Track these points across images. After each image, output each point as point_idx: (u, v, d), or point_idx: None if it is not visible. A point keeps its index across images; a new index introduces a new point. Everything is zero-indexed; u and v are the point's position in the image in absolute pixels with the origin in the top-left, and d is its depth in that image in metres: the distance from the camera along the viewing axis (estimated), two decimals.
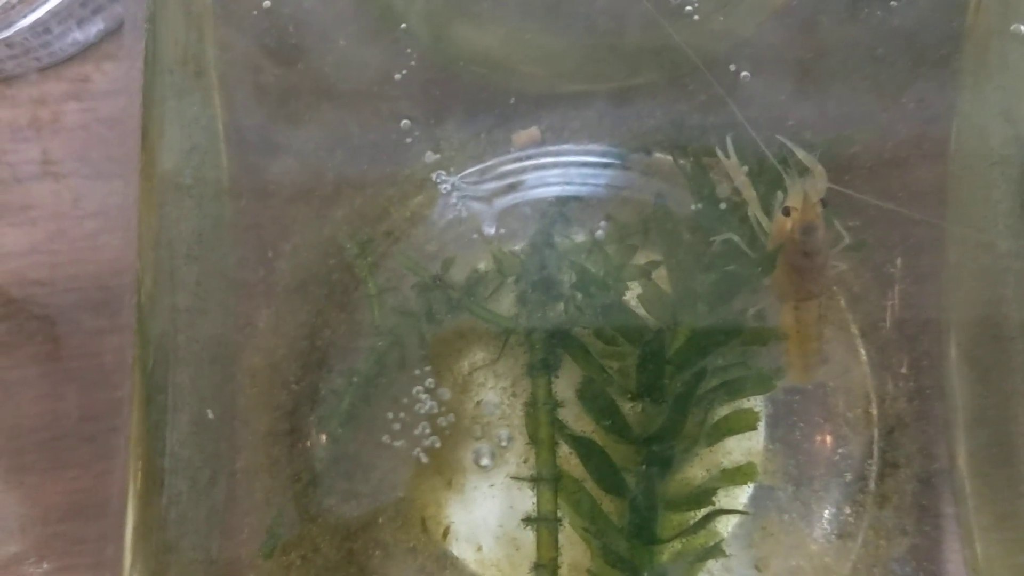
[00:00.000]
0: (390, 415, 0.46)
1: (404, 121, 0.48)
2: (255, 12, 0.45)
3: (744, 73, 0.46)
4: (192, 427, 0.43)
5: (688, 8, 0.49)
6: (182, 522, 0.44)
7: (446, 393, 0.47)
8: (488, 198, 0.52)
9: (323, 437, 0.48)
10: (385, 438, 0.46)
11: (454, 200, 0.51)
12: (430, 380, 0.47)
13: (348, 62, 0.48)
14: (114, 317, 0.56)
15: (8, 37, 0.52)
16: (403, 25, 0.47)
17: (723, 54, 0.50)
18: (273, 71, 0.48)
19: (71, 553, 0.52)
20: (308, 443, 0.48)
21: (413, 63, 0.47)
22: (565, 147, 0.53)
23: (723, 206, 0.46)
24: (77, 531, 0.52)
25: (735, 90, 0.48)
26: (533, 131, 0.53)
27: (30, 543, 0.52)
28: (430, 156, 0.50)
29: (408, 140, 0.50)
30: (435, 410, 0.47)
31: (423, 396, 0.47)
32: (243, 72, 0.48)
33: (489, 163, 0.52)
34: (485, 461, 0.47)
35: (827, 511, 0.49)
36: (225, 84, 0.47)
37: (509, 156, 0.52)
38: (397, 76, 0.46)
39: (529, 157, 0.53)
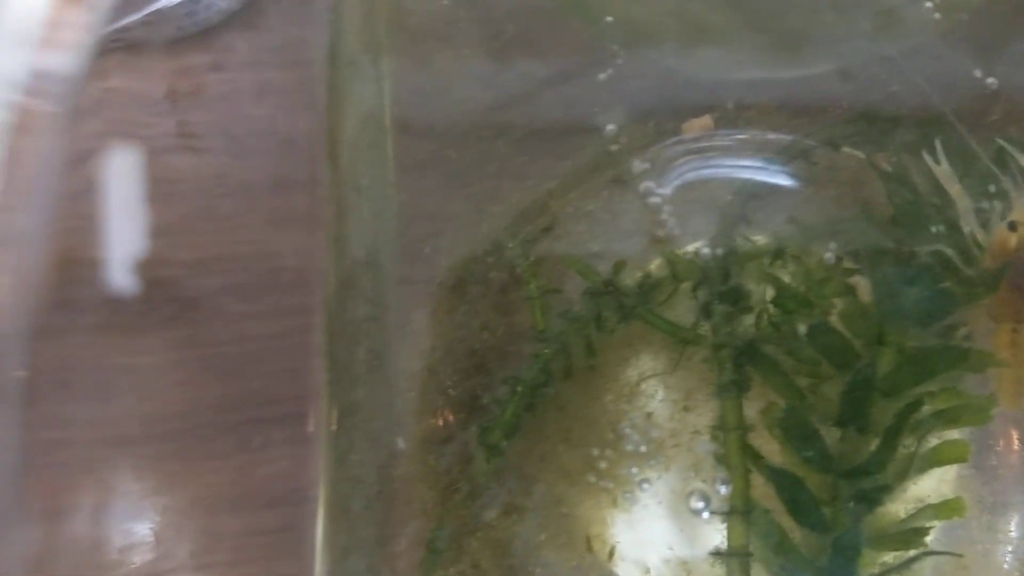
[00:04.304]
0: (595, 451, 0.43)
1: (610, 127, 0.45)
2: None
3: (990, 79, 0.41)
4: (368, 444, 0.41)
5: None
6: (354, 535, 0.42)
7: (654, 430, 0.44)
8: (655, 192, 0.48)
9: (483, 447, 0.46)
10: (591, 477, 0.43)
11: (620, 197, 0.47)
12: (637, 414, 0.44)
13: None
14: (256, 302, 0.53)
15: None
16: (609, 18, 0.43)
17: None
18: (442, 61, 0.45)
19: (214, 550, 0.51)
20: (467, 452, 0.46)
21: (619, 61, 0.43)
22: (740, 137, 0.49)
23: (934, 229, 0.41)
24: (219, 526, 0.51)
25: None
26: (705, 119, 0.49)
27: (172, 536, 0.51)
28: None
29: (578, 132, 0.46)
30: (642, 448, 0.43)
31: (628, 431, 0.43)
32: (413, 61, 0.45)
33: (657, 153, 0.48)
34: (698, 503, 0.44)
35: None
36: (395, 73, 0.44)
37: (680, 147, 0.49)
38: (602, 76, 0.43)
39: (700, 148, 0.49)
